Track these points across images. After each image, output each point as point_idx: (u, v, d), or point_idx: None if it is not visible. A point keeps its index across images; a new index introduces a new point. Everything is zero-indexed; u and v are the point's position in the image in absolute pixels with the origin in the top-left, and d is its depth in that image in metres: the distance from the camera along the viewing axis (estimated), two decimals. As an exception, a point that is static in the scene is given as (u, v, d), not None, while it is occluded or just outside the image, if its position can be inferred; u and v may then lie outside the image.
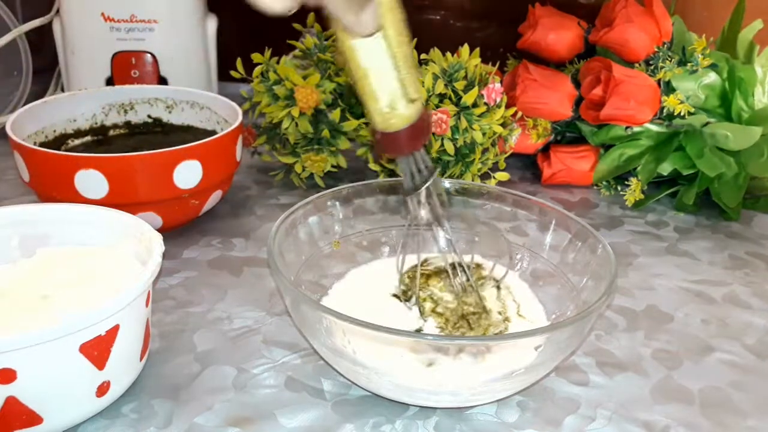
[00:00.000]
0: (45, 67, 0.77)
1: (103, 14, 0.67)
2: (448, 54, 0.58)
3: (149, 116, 0.62)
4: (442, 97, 0.56)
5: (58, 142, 0.58)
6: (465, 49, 0.58)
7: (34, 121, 0.56)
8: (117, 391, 0.37)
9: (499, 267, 0.47)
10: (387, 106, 0.33)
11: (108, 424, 0.36)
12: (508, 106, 0.60)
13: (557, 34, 0.67)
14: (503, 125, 0.59)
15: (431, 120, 0.36)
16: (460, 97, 0.56)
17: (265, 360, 0.42)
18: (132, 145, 0.60)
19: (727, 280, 0.52)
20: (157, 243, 0.39)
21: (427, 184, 0.38)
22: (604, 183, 0.66)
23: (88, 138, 0.60)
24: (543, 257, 0.46)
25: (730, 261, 0.55)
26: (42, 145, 0.56)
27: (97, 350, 0.34)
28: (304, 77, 0.59)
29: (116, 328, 0.34)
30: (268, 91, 0.60)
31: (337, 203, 0.47)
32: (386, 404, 0.38)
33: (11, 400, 0.32)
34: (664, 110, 0.61)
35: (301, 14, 0.63)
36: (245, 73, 0.61)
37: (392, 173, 0.59)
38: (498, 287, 0.45)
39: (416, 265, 0.45)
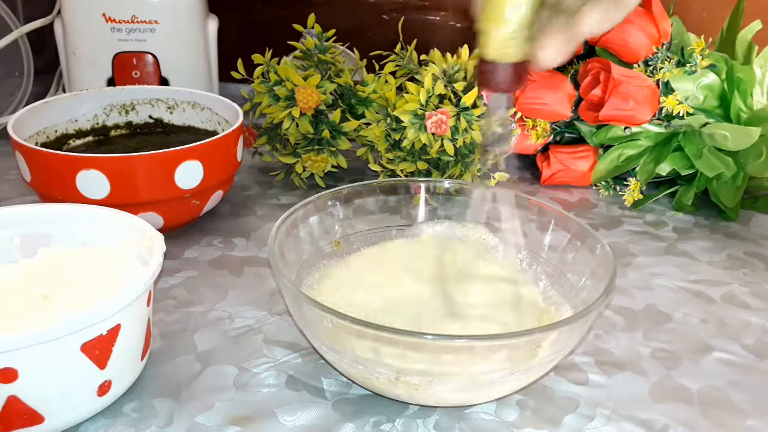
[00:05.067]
0: (46, 68, 0.77)
1: (104, 15, 0.67)
2: (448, 55, 0.58)
3: (150, 117, 0.63)
4: (441, 97, 0.56)
5: (60, 142, 0.58)
6: (465, 49, 0.58)
7: (36, 121, 0.56)
8: (118, 391, 0.37)
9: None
10: (510, 33, 0.33)
11: (109, 424, 0.36)
12: (507, 107, 0.60)
13: (557, 34, 0.67)
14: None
15: (529, 69, 0.36)
16: (460, 98, 0.56)
17: (265, 359, 0.42)
18: (133, 146, 0.60)
19: (726, 280, 0.53)
20: (158, 243, 0.39)
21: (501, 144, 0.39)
22: (603, 183, 0.66)
23: (90, 138, 0.61)
24: (542, 257, 0.46)
25: (729, 261, 0.55)
26: (43, 145, 0.56)
27: (99, 350, 0.34)
28: (305, 78, 0.59)
29: (117, 327, 0.35)
30: (268, 91, 0.60)
31: (338, 203, 0.48)
32: (386, 403, 0.39)
33: (12, 400, 0.32)
34: (663, 111, 0.61)
35: (301, 15, 0.64)
36: (246, 74, 0.61)
37: (392, 173, 0.59)
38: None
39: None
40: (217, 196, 0.55)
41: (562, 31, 0.33)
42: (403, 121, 0.56)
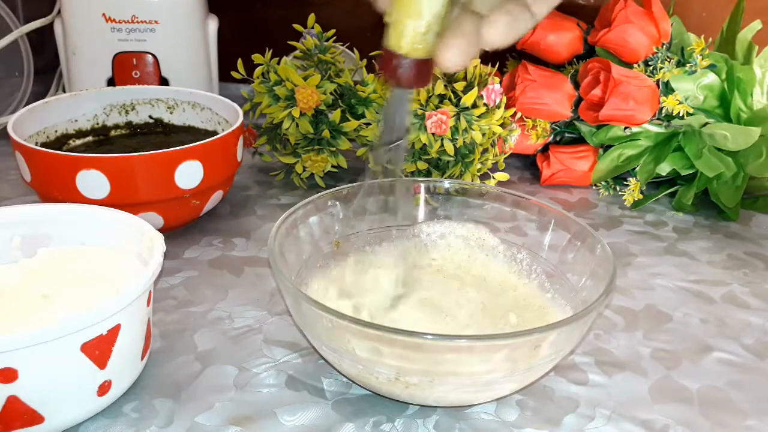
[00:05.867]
0: (46, 68, 0.77)
1: (104, 15, 0.67)
2: (448, 55, 0.58)
3: (150, 117, 0.63)
4: (441, 97, 0.56)
5: (60, 142, 0.58)
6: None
7: (36, 121, 0.56)
8: (118, 391, 0.37)
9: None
10: (424, 27, 0.32)
11: (109, 424, 0.36)
12: (507, 107, 0.60)
13: (556, 35, 0.67)
14: (502, 126, 0.59)
15: (434, 68, 0.35)
16: (460, 98, 0.56)
17: (265, 359, 0.42)
18: (133, 146, 0.60)
19: (726, 280, 0.53)
20: (158, 243, 0.39)
21: (398, 142, 0.38)
22: (603, 183, 0.66)
23: (90, 138, 0.61)
24: (542, 257, 0.46)
25: (729, 261, 0.55)
26: (43, 145, 0.56)
27: (99, 350, 0.34)
28: (305, 78, 0.59)
29: (117, 327, 0.35)
30: (268, 91, 0.60)
31: (338, 203, 0.48)
32: (386, 403, 0.39)
33: (12, 400, 0.32)
34: (663, 111, 0.61)
35: (301, 15, 0.64)
36: (246, 74, 0.61)
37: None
38: None
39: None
40: (217, 196, 0.55)
41: (469, 34, 0.32)
42: (403, 121, 0.56)
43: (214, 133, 0.61)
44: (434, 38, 0.32)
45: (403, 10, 0.32)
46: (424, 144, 0.56)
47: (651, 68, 0.63)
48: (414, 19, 0.32)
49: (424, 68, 0.33)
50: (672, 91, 0.61)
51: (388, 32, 0.33)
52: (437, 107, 0.56)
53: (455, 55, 0.32)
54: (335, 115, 0.60)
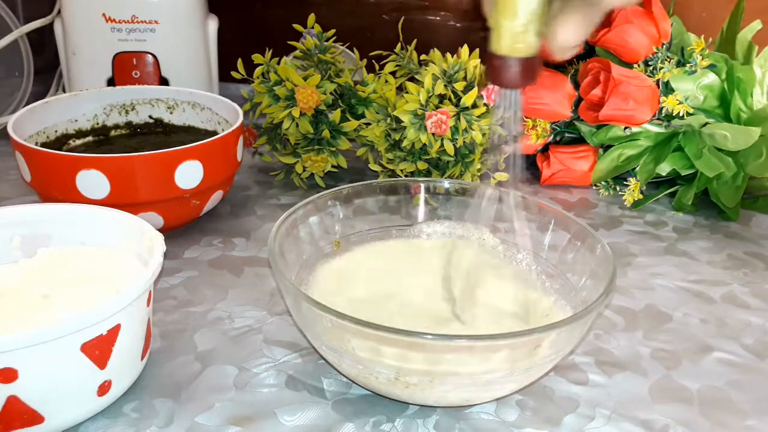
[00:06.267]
0: (46, 68, 0.77)
1: (104, 15, 0.67)
2: (448, 55, 0.58)
3: (150, 117, 0.63)
4: (441, 97, 0.56)
5: (60, 142, 0.58)
6: (465, 49, 0.58)
7: (36, 121, 0.56)
8: (118, 391, 0.37)
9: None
10: (522, 26, 0.33)
11: (109, 424, 0.36)
12: (507, 107, 0.60)
13: (557, 34, 0.67)
14: (503, 126, 0.59)
15: (541, 66, 0.36)
16: (460, 98, 0.56)
17: (265, 359, 0.42)
18: (133, 146, 0.60)
19: (726, 280, 0.53)
20: (158, 243, 0.39)
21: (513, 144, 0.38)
22: (603, 183, 0.66)
23: (90, 138, 0.61)
24: (542, 257, 0.46)
25: (729, 261, 0.55)
26: (43, 145, 0.56)
27: (99, 350, 0.34)
28: (305, 78, 0.59)
29: (117, 327, 0.35)
30: (268, 91, 0.60)
31: (338, 203, 0.48)
32: (386, 403, 0.39)
33: (12, 400, 0.32)
34: (663, 111, 0.61)
35: (301, 15, 0.64)
36: (246, 74, 0.61)
37: (392, 173, 0.59)
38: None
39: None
40: (217, 196, 0.55)
41: (581, 9, 0.32)
42: (403, 121, 0.56)
43: (214, 133, 0.61)
44: (535, 37, 0.33)
45: (500, 13, 0.33)
46: (424, 144, 0.56)
47: (651, 68, 0.63)
48: (510, 20, 0.32)
49: (528, 67, 0.34)
50: (672, 91, 0.61)
51: (491, 36, 0.34)
52: (437, 107, 0.56)
53: (571, 31, 0.32)
54: (335, 115, 0.60)
